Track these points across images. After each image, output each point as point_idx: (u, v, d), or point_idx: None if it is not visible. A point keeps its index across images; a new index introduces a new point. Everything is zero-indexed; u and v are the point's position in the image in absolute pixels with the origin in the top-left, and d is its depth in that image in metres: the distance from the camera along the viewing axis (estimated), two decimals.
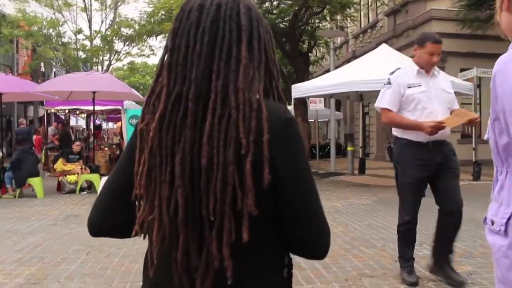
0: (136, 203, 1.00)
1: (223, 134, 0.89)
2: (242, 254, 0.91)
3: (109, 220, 1.09)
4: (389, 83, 3.71)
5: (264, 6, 18.01)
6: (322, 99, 16.01)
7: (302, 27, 18.91)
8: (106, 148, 15.43)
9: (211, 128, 0.90)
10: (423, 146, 3.57)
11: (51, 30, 21.68)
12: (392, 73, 3.79)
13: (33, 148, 12.54)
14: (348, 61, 20.34)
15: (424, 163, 3.57)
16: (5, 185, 9.76)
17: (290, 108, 28.25)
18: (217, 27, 0.96)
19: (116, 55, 23.41)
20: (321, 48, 21.41)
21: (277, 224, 0.98)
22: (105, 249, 5.06)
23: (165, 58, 0.99)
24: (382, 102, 3.74)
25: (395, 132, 3.80)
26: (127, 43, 23.34)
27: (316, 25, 19.40)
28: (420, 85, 3.59)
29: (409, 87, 3.60)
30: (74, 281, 4.04)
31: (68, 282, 4.03)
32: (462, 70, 12.93)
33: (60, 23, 21.93)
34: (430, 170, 3.59)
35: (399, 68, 3.84)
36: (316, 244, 1.00)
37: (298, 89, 12.23)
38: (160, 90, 0.97)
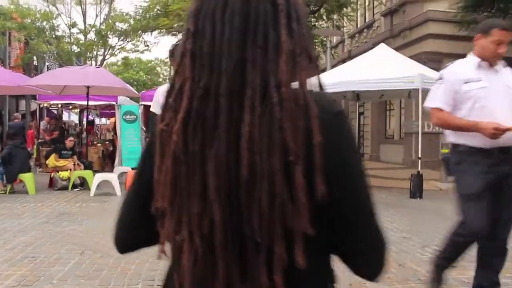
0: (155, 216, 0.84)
1: (265, 137, 0.73)
2: (293, 282, 0.78)
3: (133, 236, 0.97)
4: (442, 78, 3.20)
5: None
6: None
7: None
8: (99, 144, 15.24)
9: (251, 130, 0.74)
10: (486, 153, 2.97)
11: (44, 23, 21.36)
12: (446, 67, 3.31)
13: (25, 143, 12.33)
14: (344, 61, 20.28)
15: (488, 173, 2.97)
16: None
17: None
18: (248, 7, 0.79)
19: (110, 50, 23.16)
20: (316, 47, 21.31)
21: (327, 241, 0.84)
22: (100, 249, 4.92)
23: (186, 44, 0.82)
24: (432, 100, 3.19)
25: (451, 137, 3.20)
26: (122, 38, 23.12)
27: (313, 23, 19.29)
28: (480, 80, 3.03)
29: (466, 83, 3.03)
30: (67, 283, 3.90)
31: (62, 284, 3.89)
32: None
33: (54, 16, 21.64)
34: (493, 182, 2.98)
35: (453, 62, 3.32)
36: (374, 261, 0.86)
37: None
38: (182, 84, 0.80)
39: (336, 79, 10.99)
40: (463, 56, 3.37)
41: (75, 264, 4.43)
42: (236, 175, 0.75)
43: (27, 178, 9.42)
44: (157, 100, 3.27)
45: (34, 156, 13.68)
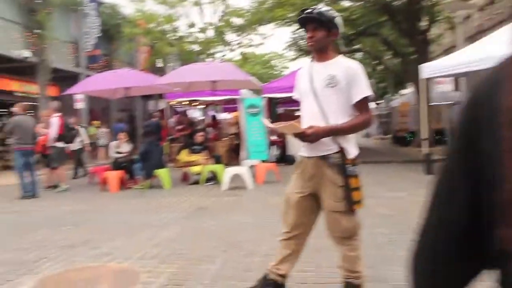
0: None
1: None
2: None
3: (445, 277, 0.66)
4: None
5: None
6: (451, 79, 14.53)
7: (421, 2, 17.43)
8: (225, 138, 15.51)
9: None
10: None
11: (167, 26, 22.41)
12: None
13: (160, 140, 12.90)
14: (472, 37, 18.34)
15: None
16: (135, 176, 10.04)
17: (410, 91, 26.51)
18: None
19: (228, 46, 23.63)
20: (440, 24, 19.63)
21: None
22: (243, 247, 4.72)
23: None
24: None
25: None
26: (239, 33, 23.45)
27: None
28: None
29: None
30: (218, 285, 3.71)
31: (213, 284, 3.71)
32: None
33: (175, 19, 22.62)
34: None
35: None
36: None
37: (428, 69, 10.98)
38: None
39: (475, 56, 9.78)
40: None
41: (221, 262, 4.26)
42: None
43: (163, 173, 9.75)
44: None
45: (167, 152, 14.29)
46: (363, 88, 2.79)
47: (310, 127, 2.72)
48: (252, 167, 10.49)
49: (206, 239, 5.18)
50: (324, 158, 2.78)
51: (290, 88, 12.84)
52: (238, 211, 6.76)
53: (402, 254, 4.25)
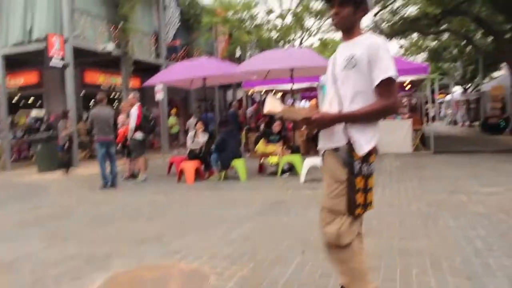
0: None
1: None
2: None
3: None
4: None
5: None
6: None
7: None
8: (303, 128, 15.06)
9: None
10: None
11: (245, 14, 22.25)
12: None
13: (237, 130, 12.76)
14: None
15: None
16: (211, 167, 9.92)
17: (503, 73, 24.34)
18: None
19: (307, 31, 23.04)
20: None
21: None
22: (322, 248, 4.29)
23: None
24: None
25: None
26: (318, 18, 22.77)
27: None
28: None
29: None
30: None
31: None
32: None
33: (253, 5, 22.36)
34: None
35: None
36: None
37: None
38: None
39: None
40: None
41: (297, 266, 3.88)
42: None
43: (239, 164, 9.52)
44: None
45: (243, 142, 14.14)
46: (386, 68, 2.33)
47: (316, 113, 2.38)
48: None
49: (282, 237, 4.81)
50: (334, 150, 2.46)
51: None
52: (317, 206, 6.31)
53: (508, 264, 3.65)
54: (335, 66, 2.50)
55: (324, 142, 2.52)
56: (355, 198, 2.39)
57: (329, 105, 2.45)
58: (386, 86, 2.34)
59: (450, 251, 4.03)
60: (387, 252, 4.08)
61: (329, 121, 2.38)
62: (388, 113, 2.46)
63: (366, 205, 2.46)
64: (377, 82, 2.33)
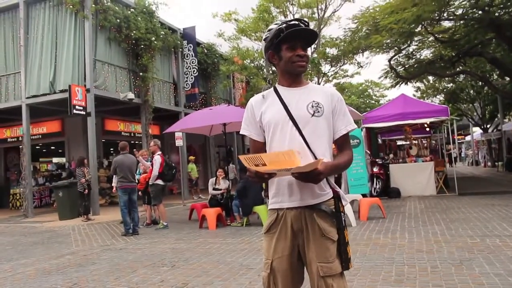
0: None
1: None
2: None
3: None
4: None
5: None
6: None
7: None
8: None
9: None
10: None
11: (262, 61, 22.71)
12: None
13: None
14: None
15: None
16: (233, 213, 9.85)
17: None
18: None
19: (323, 77, 23.31)
20: None
21: None
22: None
23: None
24: None
25: None
26: (334, 63, 23.08)
27: None
28: None
29: None
30: None
31: None
32: None
33: None
34: None
35: None
36: None
37: None
38: None
39: None
40: None
41: None
42: None
43: (261, 210, 9.42)
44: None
45: (264, 187, 14.04)
46: (350, 120, 2.30)
47: (322, 163, 2.01)
48: (353, 202, 9.82)
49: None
50: (313, 207, 2.15)
51: (392, 117, 12.06)
52: None
53: None
54: (290, 111, 2.22)
55: (294, 199, 2.18)
56: (347, 252, 2.17)
57: (297, 155, 2.04)
58: (348, 137, 2.31)
59: None
60: None
61: (328, 172, 2.11)
62: (350, 164, 2.31)
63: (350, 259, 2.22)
64: (343, 133, 2.27)
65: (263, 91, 2.39)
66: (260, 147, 2.30)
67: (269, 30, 2.29)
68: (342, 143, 2.29)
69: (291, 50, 2.22)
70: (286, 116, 2.21)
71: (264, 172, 1.97)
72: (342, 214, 2.19)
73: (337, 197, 2.20)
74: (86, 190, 12.73)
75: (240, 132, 2.41)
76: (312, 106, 2.21)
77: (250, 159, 1.96)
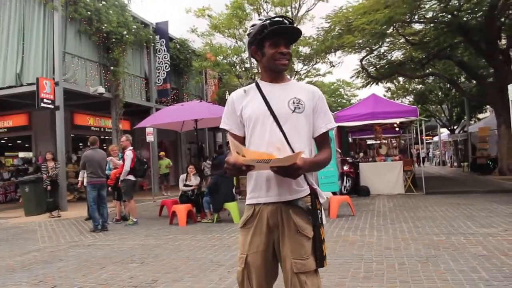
0: None
1: None
2: None
3: None
4: None
5: (451, 3, 15.98)
6: None
7: (501, 20, 16.34)
8: None
9: None
10: None
11: (235, 58, 22.63)
12: None
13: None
14: None
15: None
16: (203, 210, 9.81)
17: (488, 115, 24.80)
18: None
19: (296, 75, 23.42)
20: None
21: None
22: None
23: None
24: None
25: None
26: (306, 62, 23.20)
27: None
28: None
29: None
30: None
31: None
32: None
33: (243, 50, 22.78)
34: None
35: None
36: None
37: None
38: None
39: None
40: None
41: None
42: None
43: (231, 207, 9.42)
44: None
45: (234, 183, 14.04)
46: (330, 118, 2.32)
47: (301, 158, 2.00)
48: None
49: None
50: (289, 203, 2.16)
51: (363, 116, 12.25)
52: None
53: None
54: (271, 106, 2.21)
55: (271, 194, 2.18)
56: (322, 250, 2.16)
57: (277, 150, 2.07)
58: (327, 136, 2.31)
59: None
60: None
61: (307, 168, 2.10)
62: (329, 162, 2.30)
63: (326, 257, 2.20)
64: (323, 131, 2.26)
65: (245, 86, 2.37)
66: (240, 141, 2.26)
67: (252, 26, 2.27)
68: (321, 141, 2.30)
69: (274, 47, 2.21)
70: (267, 111, 2.20)
71: (242, 164, 1.96)
72: (319, 211, 2.17)
73: (314, 194, 2.19)
74: (49, 187, 12.03)
75: (220, 126, 2.39)
76: (294, 103, 2.21)
77: (234, 146, 1.97)
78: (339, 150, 14.20)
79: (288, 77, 2.41)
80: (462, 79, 25.04)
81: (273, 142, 2.13)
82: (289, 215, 2.15)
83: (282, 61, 2.23)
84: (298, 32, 2.26)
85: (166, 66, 20.56)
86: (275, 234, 2.18)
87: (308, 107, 2.22)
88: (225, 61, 22.90)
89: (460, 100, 27.27)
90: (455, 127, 30.54)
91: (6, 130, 18.21)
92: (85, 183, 10.27)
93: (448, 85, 25.84)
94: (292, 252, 2.10)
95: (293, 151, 2.12)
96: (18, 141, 20.95)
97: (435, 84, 28.23)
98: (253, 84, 2.33)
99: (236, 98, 2.33)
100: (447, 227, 7.37)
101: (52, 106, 13.82)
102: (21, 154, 22.16)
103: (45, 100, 13.45)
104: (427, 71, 22.78)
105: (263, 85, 2.29)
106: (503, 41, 18.71)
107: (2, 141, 19.67)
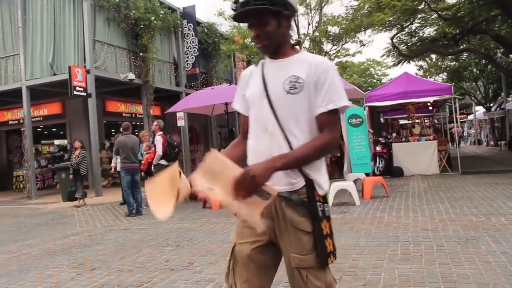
0: None
1: None
2: None
3: None
4: None
5: None
6: None
7: None
8: None
9: None
10: None
11: None
12: None
13: None
14: None
15: None
16: None
17: None
18: None
19: (325, 55, 23.07)
20: None
21: None
22: (357, 274, 4.12)
23: None
24: None
25: None
26: (335, 42, 22.81)
27: None
28: None
29: None
30: None
31: None
32: None
33: None
34: None
35: None
36: None
37: None
38: None
39: None
40: None
41: None
42: None
43: None
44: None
45: None
46: (339, 96, 1.88)
47: (250, 169, 1.68)
48: (357, 180, 9.80)
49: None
50: (281, 196, 1.87)
51: (395, 95, 11.97)
52: (349, 231, 6.13)
53: None
54: (266, 86, 1.94)
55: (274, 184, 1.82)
56: (325, 245, 1.88)
57: (265, 134, 1.89)
58: (333, 117, 1.90)
59: (497, 277, 3.81)
60: (431, 278, 3.88)
61: (279, 166, 1.75)
62: (330, 150, 1.93)
63: (334, 252, 1.94)
64: (321, 111, 1.86)
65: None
66: (247, 122, 2.07)
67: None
68: (320, 125, 1.89)
69: (250, 29, 1.95)
70: (263, 92, 1.94)
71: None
72: (319, 203, 1.90)
73: (310, 186, 1.89)
74: (71, 175, 11.98)
75: (232, 105, 2.19)
76: (290, 82, 1.89)
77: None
78: (371, 131, 13.96)
79: (297, 48, 2.03)
80: (499, 54, 24.14)
81: (267, 127, 1.90)
82: (282, 208, 1.91)
83: (257, 45, 1.97)
84: (261, 11, 1.86)
85: (194, 50, 20.55)
86: (270, 227, 1.94)
87: (308, 84, 1.87)
88: (253, 43, 22.76)
89: (496, 76, 26.34)
90: (491, 105, 29.59)
91: (41, 118, 18.67)
92: (118, 169, 10.45)
93: (484, 61, 24.96)
94: (291, 245, 1.90)
95: (287, 138, 1.87)
96: (53, 129, 21.47)
97: (469, 60, 27.31)
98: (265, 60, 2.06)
99: (244, 75, 2.13)
100: (486, 208, 7.16)
101: (85, 94, 14.07)
102: (57, 142, 22.71)
103: (77, 88, 13.69)
104: (461, 47, 22.01)
105: (268, 61, 2.01)
106: None
107: (38, 129, 20.15)
